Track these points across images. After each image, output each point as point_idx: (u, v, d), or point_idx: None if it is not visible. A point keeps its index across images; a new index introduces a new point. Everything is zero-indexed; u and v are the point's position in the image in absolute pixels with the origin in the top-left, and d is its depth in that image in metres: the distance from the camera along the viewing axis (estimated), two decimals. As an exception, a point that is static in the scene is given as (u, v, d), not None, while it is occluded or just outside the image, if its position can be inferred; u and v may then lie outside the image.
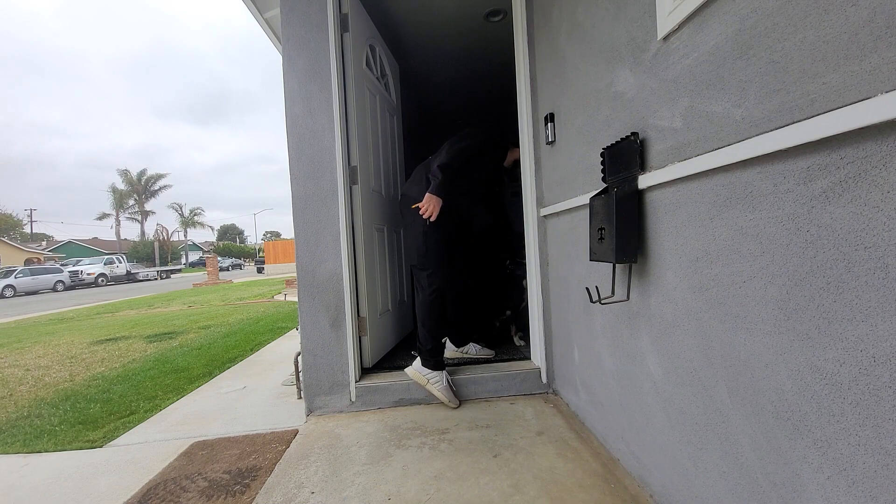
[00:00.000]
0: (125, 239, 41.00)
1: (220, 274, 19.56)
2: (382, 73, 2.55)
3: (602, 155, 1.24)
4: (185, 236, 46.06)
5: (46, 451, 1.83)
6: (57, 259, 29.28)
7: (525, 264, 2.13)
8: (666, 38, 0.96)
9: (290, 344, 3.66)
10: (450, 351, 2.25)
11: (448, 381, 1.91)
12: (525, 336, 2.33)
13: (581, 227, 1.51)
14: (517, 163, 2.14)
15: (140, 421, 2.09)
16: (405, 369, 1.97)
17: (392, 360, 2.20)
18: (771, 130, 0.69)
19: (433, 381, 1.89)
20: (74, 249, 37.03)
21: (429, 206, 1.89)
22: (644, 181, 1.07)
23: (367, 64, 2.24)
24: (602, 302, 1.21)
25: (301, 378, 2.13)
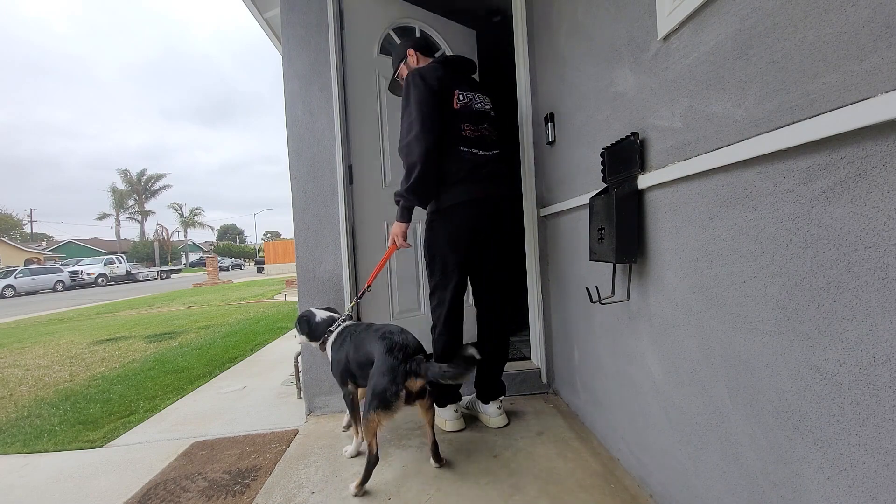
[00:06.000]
0: (125, 239, 41.07)
1: (220, 274, 19.56)
2: (382, 73, 2.55)
3: (602, 155, 1.24)
4: (185, 236, 46.13)
5: (46, 451, 1.83)
6: (57, 259, 29.28)
7: None
8: (666, 38, 0.96)
9: (290, 344, 3.66)
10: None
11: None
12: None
13: (581, 227, 1.51)
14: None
15: (140, 421, 2.09)
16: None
17: (392, 360, 2.20)
18: (771, 130, 0.69)
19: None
20: (74, 249, 37.04)
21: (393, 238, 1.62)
22: (644, 181, 1.07)
23: (367, 64, 2.24)
24: (602, 302, 1.21)
25: (301, 378, 2.13)
